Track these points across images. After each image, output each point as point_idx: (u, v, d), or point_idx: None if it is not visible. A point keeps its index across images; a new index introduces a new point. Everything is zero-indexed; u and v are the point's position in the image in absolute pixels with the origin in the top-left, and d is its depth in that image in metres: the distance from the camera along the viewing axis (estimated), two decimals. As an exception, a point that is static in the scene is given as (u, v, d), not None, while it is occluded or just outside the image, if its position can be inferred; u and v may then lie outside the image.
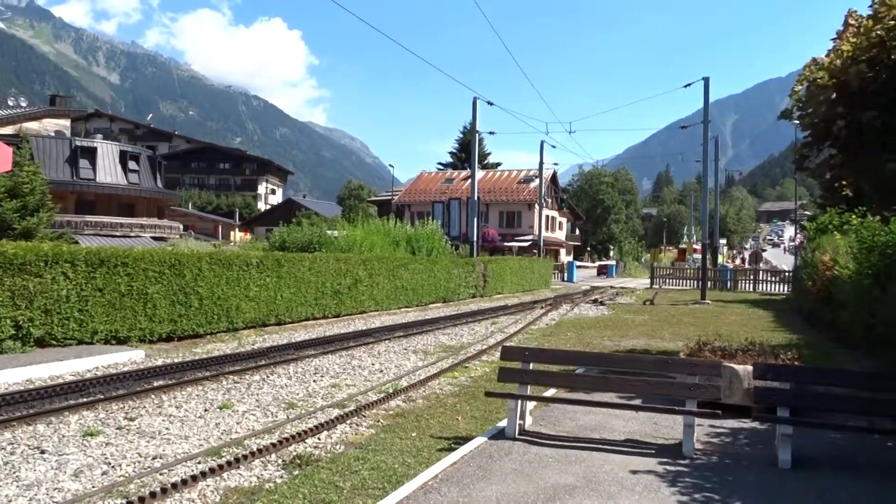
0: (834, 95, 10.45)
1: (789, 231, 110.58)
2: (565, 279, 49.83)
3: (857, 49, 10.43)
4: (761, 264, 50.30)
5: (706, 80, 30.10)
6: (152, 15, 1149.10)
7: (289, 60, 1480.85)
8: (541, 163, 48.20)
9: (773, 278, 40.07)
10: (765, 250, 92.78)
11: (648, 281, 44.43)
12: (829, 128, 10.41)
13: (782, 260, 71.39)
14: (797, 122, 12.02)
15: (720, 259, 57.74)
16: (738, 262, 74.02)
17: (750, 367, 7.62)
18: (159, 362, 11.40)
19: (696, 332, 14.57)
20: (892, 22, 10.11)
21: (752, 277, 40.94)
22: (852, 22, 11.08)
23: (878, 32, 10.35)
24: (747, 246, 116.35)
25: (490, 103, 33.24)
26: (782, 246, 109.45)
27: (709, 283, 35.37)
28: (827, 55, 11.29)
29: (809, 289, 18.60)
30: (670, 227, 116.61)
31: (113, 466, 6.24)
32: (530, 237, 57.48)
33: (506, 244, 58.00)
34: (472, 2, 21.76)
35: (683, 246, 73.20)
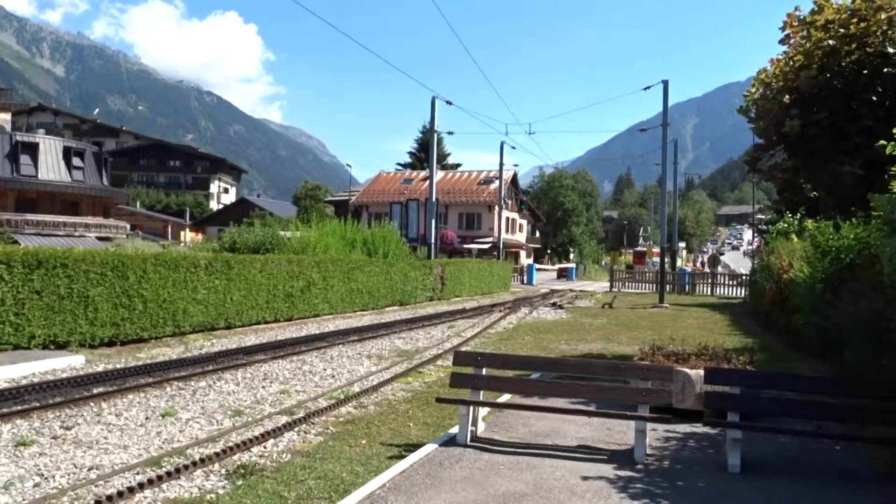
0: (787, 98, 10.63)
1: (748, 234, 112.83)
2: (525, 282, 49.98)
3: (808, 57, 10.65)
4: (719, 268, 51.17)
5: (665, 83, 30.42)
6: (100, 5, 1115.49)
7: (244, 55, 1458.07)
8: (500, 164, 48.32)
9: (731, 282, 40.66)
10: (723, 254, 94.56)
11: (608, 284, 44.84)
12: (780, 131, 10.58)
13: (741, 263, 72.85)
14: (751, 126, 12.16)
15: (679, 262, 58.54)
16: (697, 265, 75.27)
17: (702, 372, 7.60)
18: (100, 368, 11.01)
19: (653, 336, 14.64)
20: (842, 30, 10.35)
21: (710, 281, 41.54)
22: (794, 24, 11.27)
23: (830, 42, 10.58)
24: (706, 249, 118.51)
25: (449, 103, 33.13)
26: (741, 249, 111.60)
27: (667, 286, 35.85)
28: (777, 59, 11.48)
29: (765, 292, 18.86)
30: (631, 229, 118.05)
31: (46, 478, 5.98)
32: (490, 239, 57.61)
33: (465, 246, 58.05)
34: (431, 1, 21.62)
35: (641, 249, 73.66)
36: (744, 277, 38.95)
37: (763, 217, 43.47)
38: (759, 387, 7.25)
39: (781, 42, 11.30)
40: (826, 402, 6.94)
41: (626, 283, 44.07)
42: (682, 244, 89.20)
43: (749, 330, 19.48)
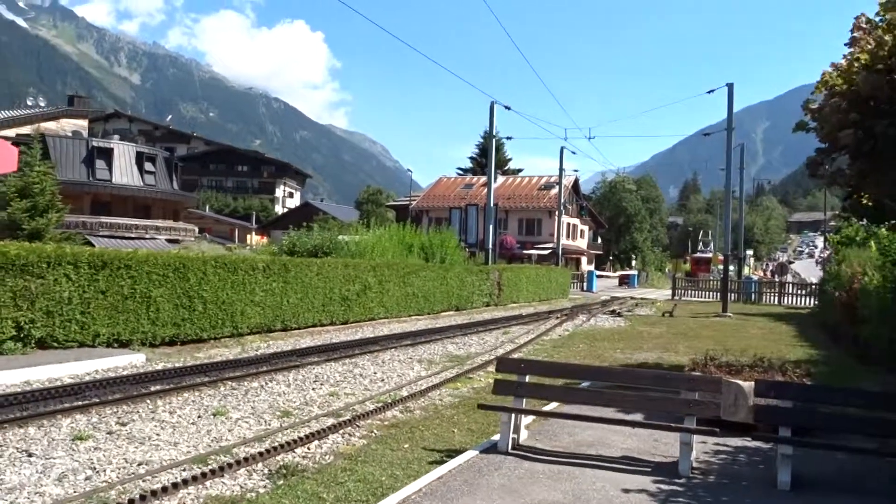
0: (844, 104, 10.22)
1: (821, 242, 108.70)
2: (585, 289, 49.39)
3: (874, 58, 10.20)
4: (788, 276, 49.40)
5: (730, 87, 29.66)
6: (175, 15, 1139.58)
7: (311, 62, 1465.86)
8: (560, 169, 47.86)
9: (800, 291, 39.27)
10: (792, 262, 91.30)
11: (670, 292, 43.91)
12: (841, 136, 10.17)
13: (812, 272, 70.06)
14: (813, 130, 11.72)
15: (746, 271, 56.78)
16: (767, 273, 72.68)
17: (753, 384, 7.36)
18: (159, 367, 11.33)
19: (713, 346, 14.22)
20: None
21: (777, 290, 40.24)
22: (864, 26, 10.81)
23: (887, 38, 10.13)
24: (776, 257, 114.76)
25: (507, 108, 33.07)
26: (814, 258, 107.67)
27: (732, 295, 34.83)
28: (844, 59, 11.04)
29: (834, 302, 18.17)
30: (696, 236, 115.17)
31: (97, 472, 6.18)
32: (550, 245, 57.07)
33: (525, 252, 57.67)
34: (489, 9, 21.63)
35: (700, 255, 69.70)
36: (813, 286, 37.62)
37: (835, 224, 41.88)
38: (814, 401, 6.95)
39: (848, 44, 10.86)
40: (889, 419, 6.62)
41: (689, 292, 43.05)
42: (750, 252, 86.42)
43: (816, 341, 18.77)
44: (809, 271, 74.57)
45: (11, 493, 5.54)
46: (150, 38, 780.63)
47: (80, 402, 8.50)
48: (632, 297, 39.70)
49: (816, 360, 14.57)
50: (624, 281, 60.88)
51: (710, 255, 68.61)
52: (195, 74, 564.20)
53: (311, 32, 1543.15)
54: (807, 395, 6.76)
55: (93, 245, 21.99)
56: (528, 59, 28.77)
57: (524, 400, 7.29)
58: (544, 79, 38.55)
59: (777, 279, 45.46)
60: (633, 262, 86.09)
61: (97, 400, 8.70)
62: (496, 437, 7.25)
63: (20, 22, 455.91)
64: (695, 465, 6.60)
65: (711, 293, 41.01)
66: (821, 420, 6.79)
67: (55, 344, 11.61)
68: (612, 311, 27.72)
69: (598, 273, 62.28)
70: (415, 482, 6.01)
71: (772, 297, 39.47)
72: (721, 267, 49.64)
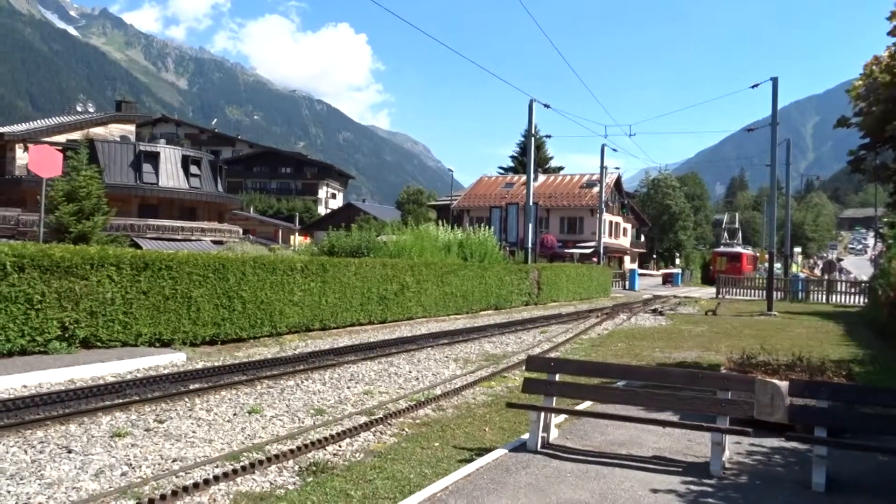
0: (888, 96, 9.88)
1: (872, 239, 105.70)
2: (627, 287, 48.84)
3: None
4: (836, 274, 47.99)
5: (774, 81, 29.01)
6: (220, 20, 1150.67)
7: (354, 65, 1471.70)
8: (601, 166, 47.43)
9: (851, 289, 38.24)
10: (842, 259, 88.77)
11: (714, 290, 43.18)
12: (885, 128, 9.85)
13: (864, 270, 68.13)
14: (855, 122, 11.37)
15: (794, 268, 55.32)
16: (815, 272, 70.52)
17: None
18: (199, 365, 11.53)
19: (755, 345, 13.95)
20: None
21: (825, 288, 39.27)
22: None
23: None
24: (825, 255, 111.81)
25: (547, 106, 32.89)
26: (868, 254, 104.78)
27: (778, 293, 34.05)
28: (886, 50, 10.70)
29: (883, 300, 17.68)
30: (744, 233, 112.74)
31: (133, 468, 6.34)
32: (592, 244, 56.54)
33: (567, 251, 57.26)
34: (525, 10, 21.50)
35: (731, 249, 63.74)
36: (863, 284, 36.62)
37: (887, 220, 40.62)
38: (851, 401, 6.77)
39: (890, 34, 10.51)
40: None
41: (734, 290, 42.25)
42: (798, 249, 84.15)
43: (862, 341, 18.25)
44: (861, 269, 72.58)
45: (50, 488, 5.71)
46: (197, 42, 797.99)
47: (120, 400, 8.71)
48: (675, 296, 39.15)
49: (861, 359, 14.17)
50: (667, 279, 59.99)
51: (739, 249, 65.19)
52: (240, 78, 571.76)
53: (354, 35, 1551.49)
54: (843, 395, 6.57)
55: (140, 247, 22.49)
56: (565, 58, 28.58)
57: (554, 399, 7.25)
58: (583, 77, 38.32)
59: (826, 277, 44.19)
60: (677, 261, 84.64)
61: (137, 398, 8.90)
62: (526, 436, 7.24)
63: (71, 30, 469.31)
64: (727, 465, 6.50)
65: (757, 291, 40.16)
66: (858, 420, 6.61)
67: (99, 343, 11.90)
68: (654, 310, 27.38)
69: (641, 271, 61.48)
70: (442, 480, 6.03)
71: (820, 296, 38.53)
72: (766, 265, 48.44)
